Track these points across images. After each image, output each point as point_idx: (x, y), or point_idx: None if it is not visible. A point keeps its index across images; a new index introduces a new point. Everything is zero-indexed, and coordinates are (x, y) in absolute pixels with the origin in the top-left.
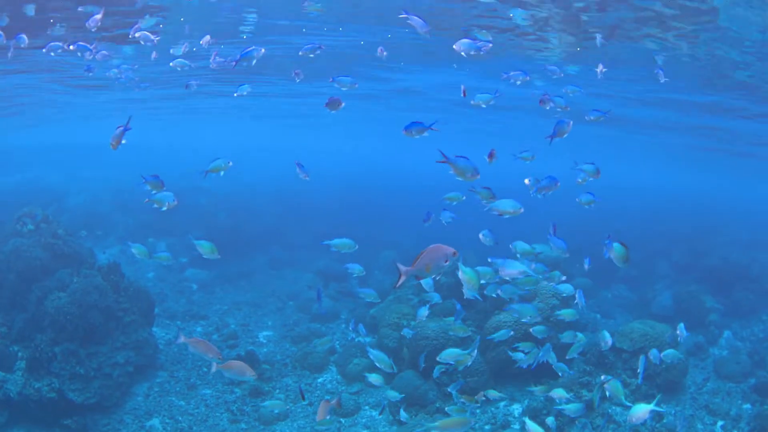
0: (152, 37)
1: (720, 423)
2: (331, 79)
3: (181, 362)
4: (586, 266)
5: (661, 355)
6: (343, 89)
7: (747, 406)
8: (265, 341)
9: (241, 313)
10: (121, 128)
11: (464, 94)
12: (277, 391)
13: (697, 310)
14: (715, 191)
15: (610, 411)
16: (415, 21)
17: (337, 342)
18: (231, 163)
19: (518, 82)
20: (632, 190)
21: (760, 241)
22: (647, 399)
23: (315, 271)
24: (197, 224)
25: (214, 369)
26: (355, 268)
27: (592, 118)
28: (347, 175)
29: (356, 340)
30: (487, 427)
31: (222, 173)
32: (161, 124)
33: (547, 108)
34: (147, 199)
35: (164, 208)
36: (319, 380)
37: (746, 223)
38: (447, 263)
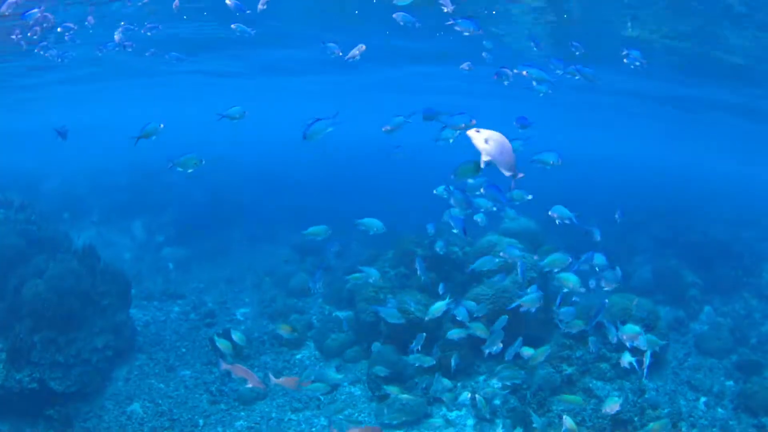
0: None
1: (703, 399)
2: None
3: (159, 343)
4: (597, 237)
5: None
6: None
7: (730, 383)
8: (242, 318)
9: (218, 290)
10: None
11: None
12: (256, 369)
13: (677, 285)
14: (697, 165)
15: (590, 386)
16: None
17: (314, 317)
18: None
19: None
20: (613, 161)
21: (743, 219)
22: (627, 375)
23: (291, 246)
24: (173, 202)
25: (223, 368)
26: (375, 224)
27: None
28: (326, 148)
29: (333, 314)
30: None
31: (190, 170)
32: (136, 100)
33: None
34: (171, 164)
35: (190, 171)
36: (297, 357)
37: (730, 200)
38: None
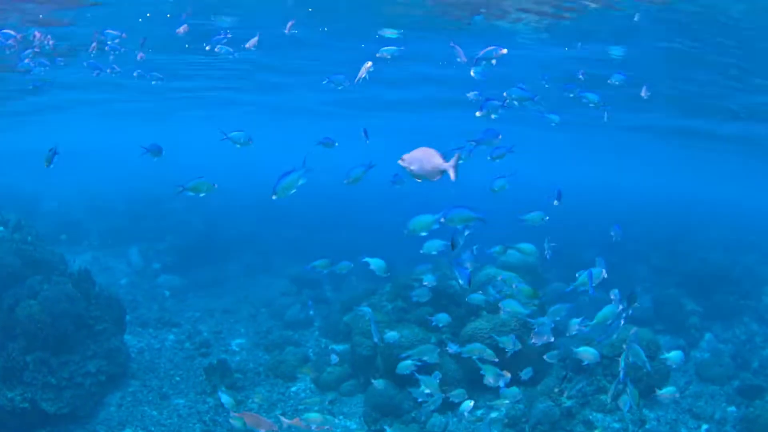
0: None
1: (704, 426)
2: (326, 80)
3: (153, 371)
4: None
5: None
6: (339, 88)
7: (732, 408)
8: (237, 349)
9: (213, 320)
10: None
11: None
12: (250, 400)
13: (677, 313)
14: (694, 193)
15: (590, 417)
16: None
17: (311, 350)
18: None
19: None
20: (609, 191)
21: (742, 244)
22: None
23: (289, 278)
24: (171, 230)
25: (232, 418)
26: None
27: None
28: (323, 180)
29: (330, 347)
30: None
31: (202, 195)
32: (135, 127)
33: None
34: (180, 189)
35: (202, 195)
36: (293, 389)
37: (726, 225)
38: None
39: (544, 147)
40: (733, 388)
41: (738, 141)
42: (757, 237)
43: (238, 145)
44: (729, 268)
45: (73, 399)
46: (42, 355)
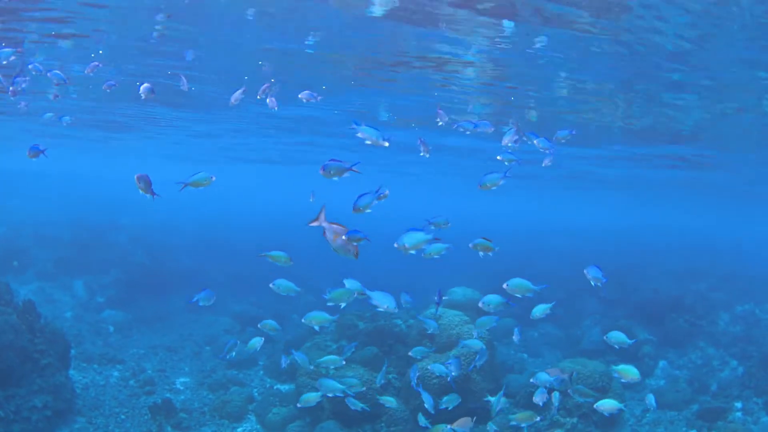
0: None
1: None
2: (352, 125)
3: (98, 408)
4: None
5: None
6: (368, 143)
7: None
8: (182, 388)
9: (157, 357)
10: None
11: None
12: None
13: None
14: (637, 225)
15: None
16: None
17: (255, 390)
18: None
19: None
20: (555, 229)
21: (693, 272)
22: None
23: (232, 314)
24: (116, 262)
25: None
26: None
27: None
28: (267, 214)
29: (275, 387)
30: None
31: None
32: (84, 154)
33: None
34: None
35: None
36: (239, 430)
37: (676, 253)
38: None
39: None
40: (693, 413)
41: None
42: (708, 264)
43: (201, 186)
44: (681, 296)
45: None
46: None
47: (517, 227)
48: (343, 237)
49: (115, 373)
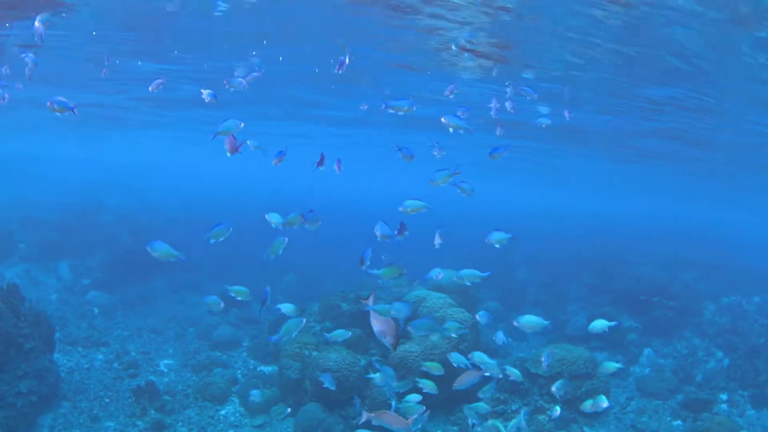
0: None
1: None
2: (383, 106)
3: (83, 392)
4: None
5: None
6: (400, 113)
7: (678, 422)
8: (166, 370)
9: (141, 339)
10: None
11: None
12: (180, 423)
13: (614, 330)
14: (624, 212)
15: None
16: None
17: (239, 371)
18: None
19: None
20: (540, 214)
21: (679, 261)
22: (567, 425)
23: (216, 295)
24: (101, 244)
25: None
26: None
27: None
28: (249, 194)
29: (258, 369)
30: None
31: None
32: (70, 135)
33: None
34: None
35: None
36: (222, 412)
37: (662, 242)
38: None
39: (470, 167)
40: (678, 402)
41: (665, 156)
42: (696, 254)
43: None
44: (666, 285)
45: (7, 419)
46: None
47: (501, 211)
48: (384, 325)
49: (100, 356)
